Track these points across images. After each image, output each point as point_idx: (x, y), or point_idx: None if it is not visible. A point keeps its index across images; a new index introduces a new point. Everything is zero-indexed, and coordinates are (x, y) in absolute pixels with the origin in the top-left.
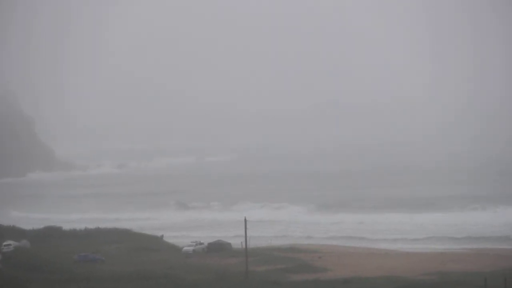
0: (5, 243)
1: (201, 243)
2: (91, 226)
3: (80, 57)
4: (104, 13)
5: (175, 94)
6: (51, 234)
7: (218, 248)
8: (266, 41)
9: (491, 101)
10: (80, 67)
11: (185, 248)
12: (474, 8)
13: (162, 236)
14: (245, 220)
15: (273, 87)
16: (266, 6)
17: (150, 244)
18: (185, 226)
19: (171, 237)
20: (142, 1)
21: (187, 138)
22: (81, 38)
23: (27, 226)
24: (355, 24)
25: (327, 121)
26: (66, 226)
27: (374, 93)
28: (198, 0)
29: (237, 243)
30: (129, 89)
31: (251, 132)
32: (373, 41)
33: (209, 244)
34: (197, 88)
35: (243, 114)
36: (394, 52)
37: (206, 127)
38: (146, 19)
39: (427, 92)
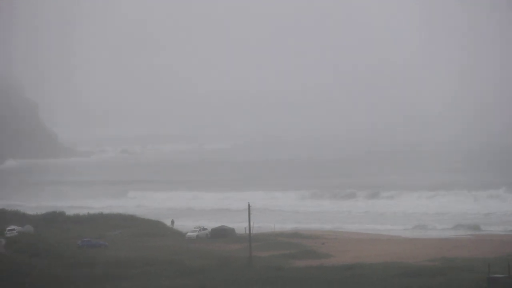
0: (8, 228)
1: (204, 229)
2: (96, 211)
3: (85, 44)
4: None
5: (179, 82)
6: (54, 219)
7: (222, 233)
8: (268, 31)
9: (483, 94)
10: (85, 54)
11: (188, 234)
12: (470, 5)
13: (172, 221)
14: (249, 206)
15: (275, 73)
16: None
17: (154, 230)
18: (189, 212)
19: (177, 224)
20: None
21: (191, 125)
22: (86, 24)
23: (30, 211)
24: (353, 20)
25: (323, 109)
26: (70, 212)
27: (369, 87)
28: None
29: (240, 228)
30: (135, 76)
31: (252, 119)
32: (370, 38)
33: (213, 229)
34: (200, 76)
35: (245, 100)
36: (390, 48)
37: (208, 114)
38: (151, 8)
39: (420, 83)
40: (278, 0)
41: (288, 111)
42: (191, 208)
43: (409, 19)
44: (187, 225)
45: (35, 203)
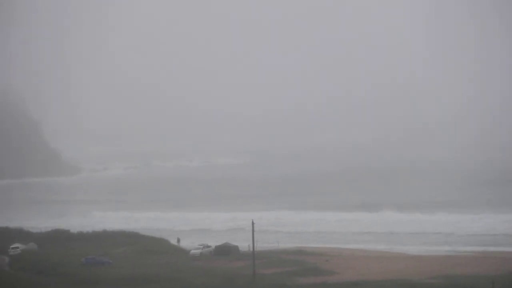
0: (12, 245)
1: (208, 246)
2: (99, 229)
3: (85, 61)
4: (111, 14)
5: (176, 100)
6: (58, 236)
7: (225, 251)
8: (264, 45)
9: (493, 102)
10: (86, 71)
11: (192, 251)
12: (478, 8)
13: (178, 239)
14: (253, 223)
15: (273, 91)
16: (265, 11)
17: (157, 247)
18: (192, 230)
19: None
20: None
21: (192, 142)
22: (86, 41)
23: (34, 229)
24: (355, 23)
25: (325, 121)
26: (74, 229)
27: (372, 92)
28: (201, 5)
29: (244, 246)
30: (134, 92)
31: (253, 136)
32: (375, 40)
33: (216, 247)
34: (198, 94)
35: (242, 118)
36: (396, 51)
37: (206, 132)
38: (152, 21)
39: (429, 92)
40: (273, 19)
41: (284, 128)
42: (199, 229)
43: (416, 28)
44: (191, 243)
45: (39, 221)
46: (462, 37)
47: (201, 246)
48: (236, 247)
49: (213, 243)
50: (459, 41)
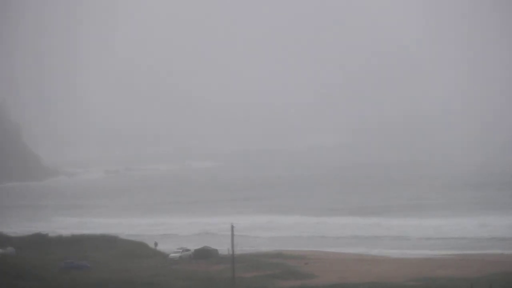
0: None
1: (187, 250)
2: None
3: (66, 64)
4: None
5: (164, 103)
6: (37, 241)
7: (205, 254)
8: (264, 43)
9: (493, 104)
10: (69, 73)
11: (171, 255)
12: (479, 9)
13: (156, 243)
14: (232, 227)
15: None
16: (263, 11)
17: (136, 251)
18: (164, 235)
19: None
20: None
21: (178, 143)
22: (74, 43)
23: (12, 233)
24: (352, 21)
25: (312, 124)
26: (53, 234)
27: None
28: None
29: (223, 249)
30: (123, 94)
31: (236, 138)
32: (373, 41)
33: (196, 250)
34: (194, 87)
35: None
36: (393, 50)
37: (189, 134)
38: (141, 19)
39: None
40: (280, 13)
41: (273, 130)
42: (173, 233)
43: (413, 18)
44: (170, 247)
45: (17, 225)
46: (461, 38)
47: (180, 250)
48: (215, 251)
49: (191, 247)
50: (458, 41)
